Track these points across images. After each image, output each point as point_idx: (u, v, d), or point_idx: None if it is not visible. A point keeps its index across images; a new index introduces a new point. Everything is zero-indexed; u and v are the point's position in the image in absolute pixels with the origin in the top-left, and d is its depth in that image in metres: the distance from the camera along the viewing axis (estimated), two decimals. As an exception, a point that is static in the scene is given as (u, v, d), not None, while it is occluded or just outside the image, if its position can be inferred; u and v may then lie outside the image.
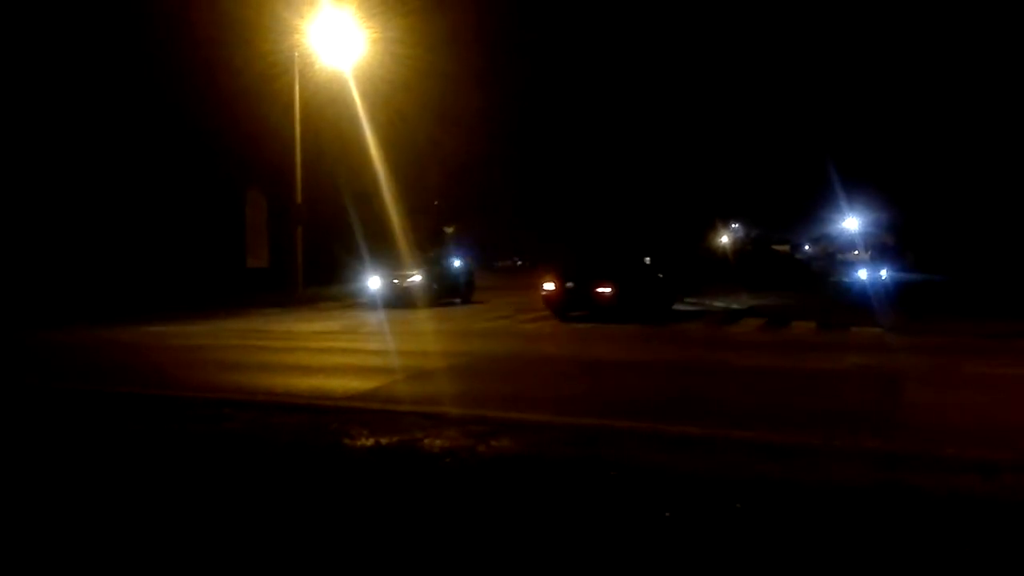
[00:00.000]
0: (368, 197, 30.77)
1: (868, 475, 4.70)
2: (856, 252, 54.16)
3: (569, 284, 17.19)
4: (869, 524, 3.88)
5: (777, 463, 4.99)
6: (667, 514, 4.01)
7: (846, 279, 34.53)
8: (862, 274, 33.22)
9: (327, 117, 27.84)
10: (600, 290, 16.74)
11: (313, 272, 26.34)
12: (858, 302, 21.07)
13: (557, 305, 17.45)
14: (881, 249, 46.61)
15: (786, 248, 61.50)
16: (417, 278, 21.85)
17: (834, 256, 58.03)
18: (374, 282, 22.15)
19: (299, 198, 24.68)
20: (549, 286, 17.56)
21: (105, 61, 23.17)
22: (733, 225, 68.15)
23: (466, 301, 23.57)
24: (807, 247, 67.66)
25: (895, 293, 24.59)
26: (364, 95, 25.87)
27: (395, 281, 21.73)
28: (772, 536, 3.72)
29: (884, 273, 33.49)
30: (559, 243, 31.37)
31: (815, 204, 57.48)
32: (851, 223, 58.48)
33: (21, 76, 21.72)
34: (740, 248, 59.97)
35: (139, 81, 24.06)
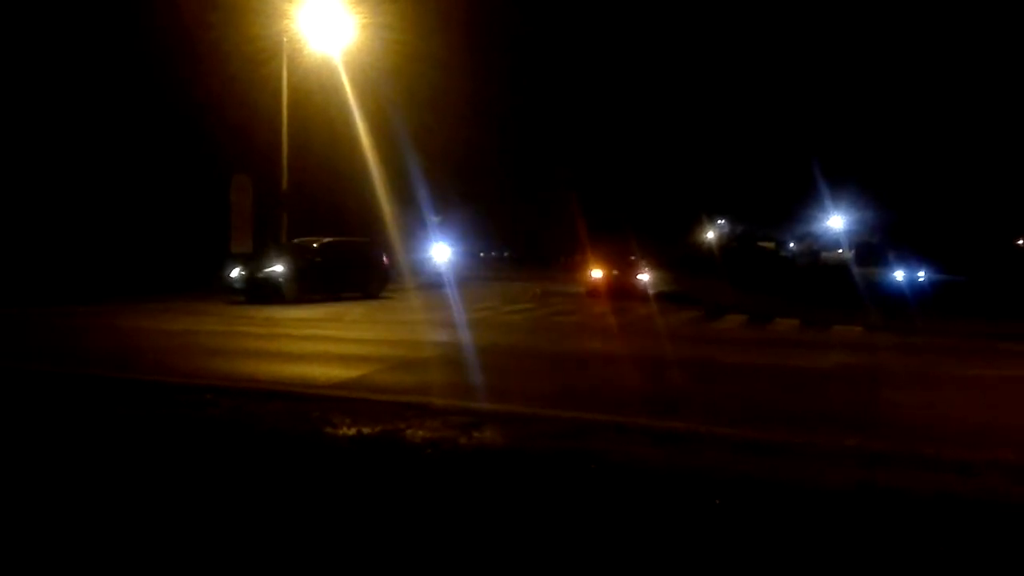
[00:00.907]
0: (356, 184, 30.59)
1: (849, 473, 4.73)
2: (840, 251, 54.58)
3: (615, 272, 22.65)
4: (849, 522, 3.90)
5: (759, 460, 5.01)
6: (645, 510, 4.02)
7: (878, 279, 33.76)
8: (898, 275, 32.89)
9: (316, 103, 27.62)
10: (640, 277, 22.85)
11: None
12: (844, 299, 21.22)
13: (604, 288, 22.07)
14: (866, 248, 46.96)
15: (771, 245, 61.88)
16: (278, 268, 18.92)
17: (818, 254, 58.41)
18: (234, 273, 19.50)
19: (285, 184, 24.53)
20: (598, 273, 22.80)
21: (90, 44, 22.89)
22: (719, 221, 68.35)
23: (371, 295, 20.58)
24: (792, 244, 67.97)
25: (884, 293, 24.78)
26: (353, 81, 25.66)
27: (245, 273, 19.04)
28: (750, 534, 3.73)
29: (921, 275, 33.32)
30: (597, 238, 30.01)
31: (800, 202, 57.73)
32: (835, 222, 58.83)
33: (5, 56, 21.45)
34: (725, 244, 60.31)
35: (124, 65, 23.79)
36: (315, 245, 20.84)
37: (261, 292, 18.49)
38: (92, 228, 23.58)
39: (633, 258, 23.96)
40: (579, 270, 26.58)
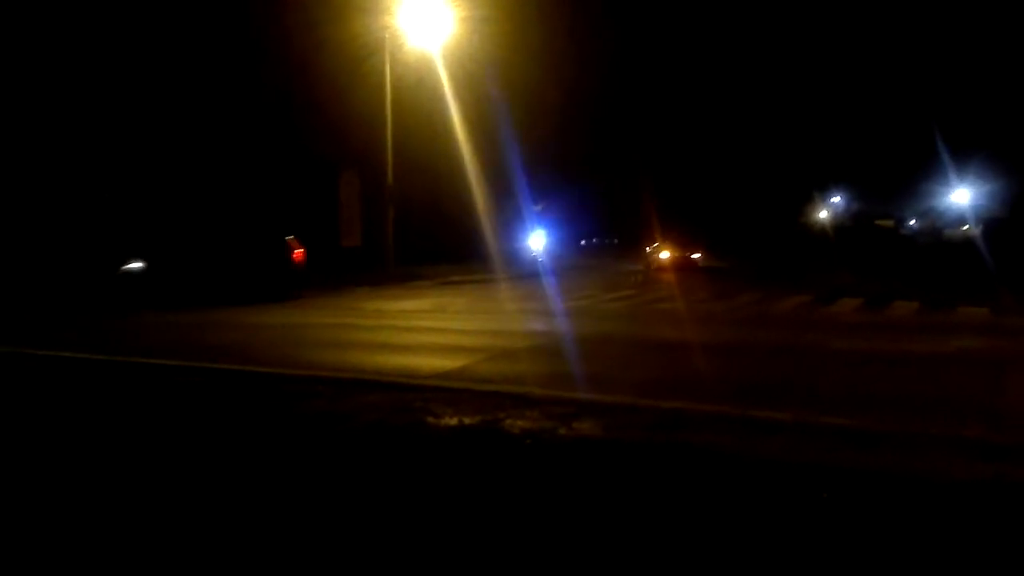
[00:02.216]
0: (455, 176, 31.05)
1: (968, 467, 4.47)
2: (966, 227, 51.36)
3: (676, 253, 30.80)
4: (972, 520, 3.69)
5: (870, 452, 4.79)
6: (747, 503, 3.92)
7: None
8: None
9: (416, 97, 28.18)
10: (692, 256, 31.63)
11: (404, 251, 26.85)
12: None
13: (671, 264, 29.98)
14: (995, 223, 43.83)
15: (890, 223, 58.87)
16: (139, 266, 16.04)
17: (941, 231, 55.14)
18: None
19: (391, 179, 25.15)
20: (665, 254, 31.00)
21: (202, 45, 24.11)
22: (833, 199, 65.51)
23: (277, 298, 16.82)
24: (912, 222, 64.35)
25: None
26: (452, 74, 26.03)
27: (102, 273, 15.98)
28: (861, 529, 3.59)
29: None
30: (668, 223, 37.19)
31: (921, 176, 54.47)
32: (960, 195, 55.26)
33: (123, 55, 22.84)
34: (840, 224, 57.79)
35: (236, 65, 24.95)
36: (183, 238, 17.81)
37: (116, 294, 15.91)
38: (210, 228, 24.88)
39: (690, 242, 32.59)
40: (643, 252, 35.25)
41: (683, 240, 32.21)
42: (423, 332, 12.14)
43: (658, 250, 31.87)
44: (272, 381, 7.50)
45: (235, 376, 7.85)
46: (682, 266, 29.97)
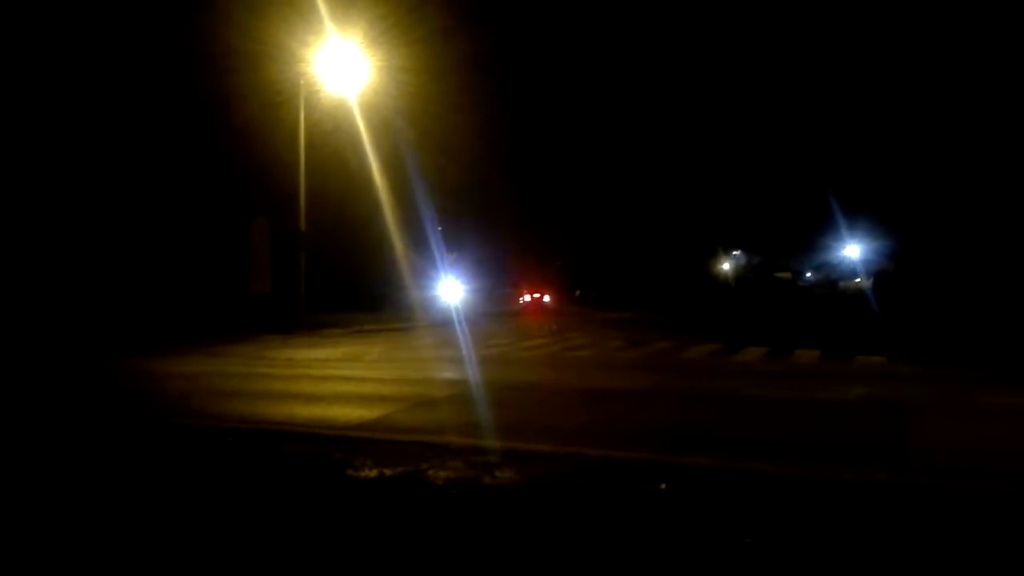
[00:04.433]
0: (371, 223, 30.85)
1: (879, 509, 4.65)
2: (858, 280, 54.32)
3: (536, 295, 41.76)
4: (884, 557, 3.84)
5: (787, 496, 4.93)
6: (677, 550, 3.96)
7: None
8: None
9: (332, 144, 28.01)
10: (544, 299, 44.28)
11: (317, 298, 26.34)
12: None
13: (528, 305, 39.76)
14: (883, 275, 46.50)
15: (788, 275, 61.59)
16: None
17: (836, 283, 58.10)
18: None
19: (303, 225, 24.75)
20: (526, 297, 43.37)
21: (112, 89, 23.42)
22: (735, 253, 68.32)
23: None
24: (808, 275, 67.56)
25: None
26: (368, 122, 25.99)
27: None
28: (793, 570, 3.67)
29: None
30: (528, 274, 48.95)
31: (816, 233, 57.64)
32: (852, 251, 58.61)
33: (31, 104, 21.99)
34: (741, 275, 60.32)
35: (145, 109, 24.30)
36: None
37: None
38: (114, 274, 23.89)
39: (543, 290, 44.82)
40: (513, 298, 45.57)
41: (537, 287, 45.14)
42: (339, 381, 11.87)
43: (521, 295, 45.08)
44: (182, 433, 7.16)
45: (140, 427, 7.45)
46: (535, 306, 41.43)
